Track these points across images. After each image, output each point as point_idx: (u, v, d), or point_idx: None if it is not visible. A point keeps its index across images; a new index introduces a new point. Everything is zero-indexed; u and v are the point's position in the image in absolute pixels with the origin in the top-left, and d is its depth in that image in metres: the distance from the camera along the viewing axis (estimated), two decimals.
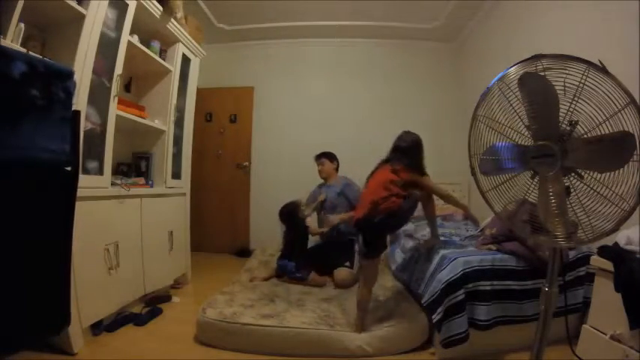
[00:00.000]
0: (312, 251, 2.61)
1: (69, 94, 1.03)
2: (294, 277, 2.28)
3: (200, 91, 2.83)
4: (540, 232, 0.89)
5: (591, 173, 0.83)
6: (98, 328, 1.69)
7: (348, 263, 2.32)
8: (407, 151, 1.78)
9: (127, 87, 2.34)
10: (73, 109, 1.06)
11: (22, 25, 1.31)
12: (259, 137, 3.80)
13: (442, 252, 1.74)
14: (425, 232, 2.42)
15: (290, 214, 2.48)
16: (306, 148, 3.64)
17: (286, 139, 3.77)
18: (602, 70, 0.75)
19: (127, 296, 1.91)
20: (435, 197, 1.88)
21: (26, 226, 0.97)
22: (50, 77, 0.97)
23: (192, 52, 2.62)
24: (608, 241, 1.00)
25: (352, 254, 2.42)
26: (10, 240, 0.92)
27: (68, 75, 1.04)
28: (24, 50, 1.20)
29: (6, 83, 0.86)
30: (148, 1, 2.02)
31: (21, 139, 0.91)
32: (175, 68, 2.41)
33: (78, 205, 1.18)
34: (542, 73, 0.82)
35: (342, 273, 2.24)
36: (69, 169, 1.09)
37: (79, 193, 1.34)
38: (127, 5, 1.83)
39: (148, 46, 2.18)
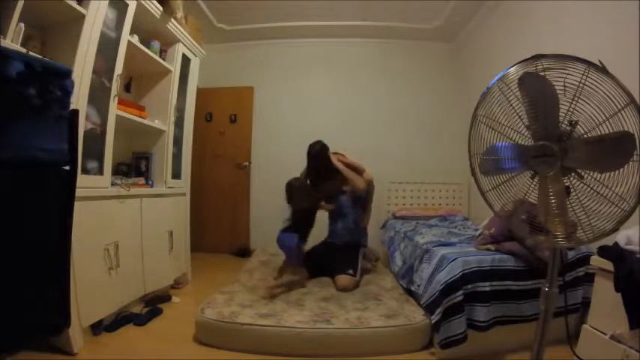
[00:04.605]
0: (317, 251, 2.60)
1: (66, 92, 1.03)
2: (292, 255, 2.16)
3: (200, 91, 2.83)
4: (540, 232, 0.89)
5: (591, 173, 0.82)
6: (98, 328, 1.69)
7: (351, 271, 2.25)
8: None
9: (127, 87, 2.34)
10: (71, 107, 1.06)
11: (22, 25, 1.31)
12: (259, 137, 3.81)
13: (441, 252, 1.74)
14: (425, 236, 2.42)
15: (302, 187, 2.32)
16: (306, 148, 3.65)
17: (286, 139, 3.76)
18: (602, 70, 0.75)
19: (127, 296, 1.91)
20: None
21: (24, 226, 0.97)
22: (47, 76, 0.97)
23: (192, 52, 2.62)
24: (608, 241, 1.00)
25: (357, 261, 2.38)
26: (8, 240, 0.92)
27: (65, 73, 1.04)
28: (24, 50, 1.21)
29: (2, 83, 0.86)
30: (148, 1, 2.02)
31: (17, 138, 0.90)
32: (175, 68, 2.41)
33: (78, 205, 1.18)
34: (542, 73, 0.82)
35: (343, 280, 2.19)
36: (67, 168, 1.09)
37: (79, 193, 1.34)
38: (127, 5, 1.83)
39: (148, 46, 2.18)
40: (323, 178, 2.47)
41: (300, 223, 2.21)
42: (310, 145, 2.53)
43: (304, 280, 2.25)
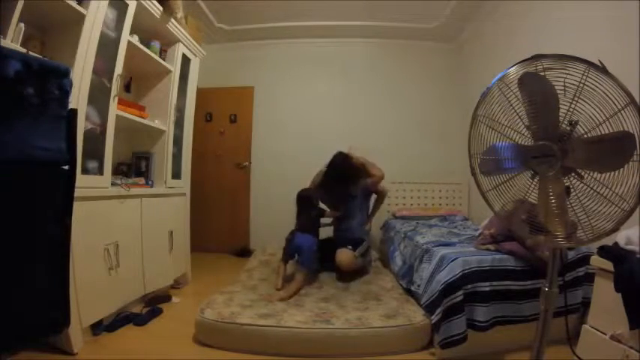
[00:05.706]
0: (319, 246, 2.59)
1: (65, 91, 1.03)
2: (310, 255, 2.20)
3: (200, 91, 2.83)
4: (540, 232, 0.89)
5: (591, 173, 0.82)
6: (98, 328, 1.69)
7: (350, 246, 2.30)
8: None
9: (127, 87, 2.34)
10: (69, 107, 1.06)
11: (22, 25, 1.31)
12: (259, 137, 3.80)
13: (441, 252, 1.74)
14: (425, 235, 2.42)
15: (310, 198, 2.51)
16: (306, 148, 3.66)
17: (286, 139, 3.77)
18: (602, 70, 0.75)
19: (127, 296, 1.91)
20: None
21: (24, 226, 0.97)
22: (45, 75, 0.97)
23: (192, 52, 2.61)
24: (608, 241, 1.00)
25: (358, 245, 2.39)
26: (8, 239, 0.92)
27: (64, 73, 1.03)
28: (24, 50, 1.20)
29: (0, 82, 0.86)
30: (148, 1, 2.02)
31: (16, 137, 0.90)
32: (175, 68, 2.41)
33: (78, 205, 1.18)
34: (542, 73, 0.82)
35: (343, 253, 2.22)
36: (66, 167, 1.09)
37: (80, 193, 1.34)
38: (127, 5, 1.83)
39: (148, 46, 2.18)
40: (339, 184, 2.58)
41: (313, 226, 2.39)
42: (334, 156, 2.61)
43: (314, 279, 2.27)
